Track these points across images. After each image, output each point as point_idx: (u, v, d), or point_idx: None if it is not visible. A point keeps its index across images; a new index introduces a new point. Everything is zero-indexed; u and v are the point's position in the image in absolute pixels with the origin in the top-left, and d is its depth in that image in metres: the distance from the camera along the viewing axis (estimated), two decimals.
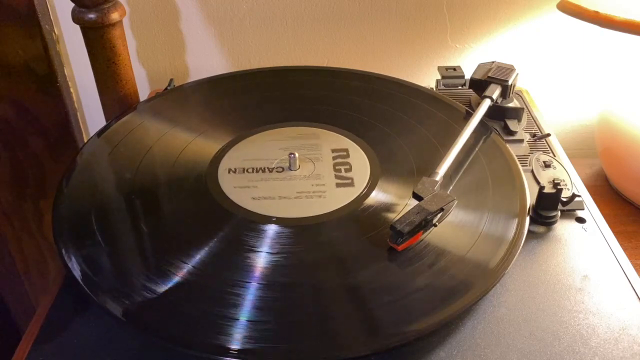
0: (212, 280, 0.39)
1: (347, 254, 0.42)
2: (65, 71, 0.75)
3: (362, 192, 0.46)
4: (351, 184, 0.47)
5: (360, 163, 0.50)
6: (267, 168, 0.49)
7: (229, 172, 0.49)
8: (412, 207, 0.41)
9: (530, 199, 0.46)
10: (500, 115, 0.56)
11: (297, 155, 0.49)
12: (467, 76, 0.62)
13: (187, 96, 0.60)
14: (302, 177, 0.48)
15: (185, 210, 0.45)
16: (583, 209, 0.47)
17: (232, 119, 0.55)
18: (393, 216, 0.44)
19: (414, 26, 0.75)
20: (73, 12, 0.56)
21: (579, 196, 0.47)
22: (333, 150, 0.51)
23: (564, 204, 0.46)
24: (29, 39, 0.70)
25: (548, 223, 0.46)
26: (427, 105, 0.57)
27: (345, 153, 0.51)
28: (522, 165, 0.50)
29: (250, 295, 0.38)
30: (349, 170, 0.49)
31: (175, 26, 0.74)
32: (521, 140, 0.55)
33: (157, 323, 0.36)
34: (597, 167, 0.72)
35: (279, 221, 0.43)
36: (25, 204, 0.81)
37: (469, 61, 0.77)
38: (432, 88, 0.62)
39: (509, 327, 0.38)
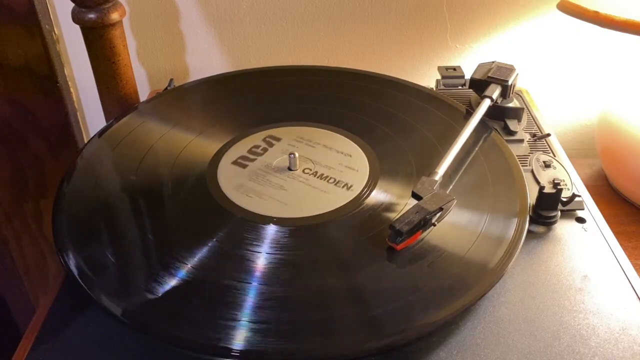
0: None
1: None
2: (65, 71, 0.75)
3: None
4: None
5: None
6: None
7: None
8: (411, 206, 0.41)
9: (530, 199, 0.46)
10: (500, 115, 0.56)
11: (297, 155, 0.49)
12: (467, 76, 0.62)
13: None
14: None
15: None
16: (583, 209, 0.47)
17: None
18: (393, 216, 0.44)
19: (414, 26, 0.75)
20: (73, 12, 0.56)
21: (579, 196, 0.47)
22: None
23: (564, 204, 0.46)
24: (29, 39, 0.70)
25: (548, 223, 0.46)
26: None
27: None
28: (522, 165, 0.50)
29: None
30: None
31: (175, 26, 0.74)
32: (521, 140, 0.55)
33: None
34: (597, 167, 0.72)
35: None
36: (25, 204, 0.81)
37: (469, 61, 0.77)
38: (432, 88, 0.62)
39: (509, 327, 0.38)
